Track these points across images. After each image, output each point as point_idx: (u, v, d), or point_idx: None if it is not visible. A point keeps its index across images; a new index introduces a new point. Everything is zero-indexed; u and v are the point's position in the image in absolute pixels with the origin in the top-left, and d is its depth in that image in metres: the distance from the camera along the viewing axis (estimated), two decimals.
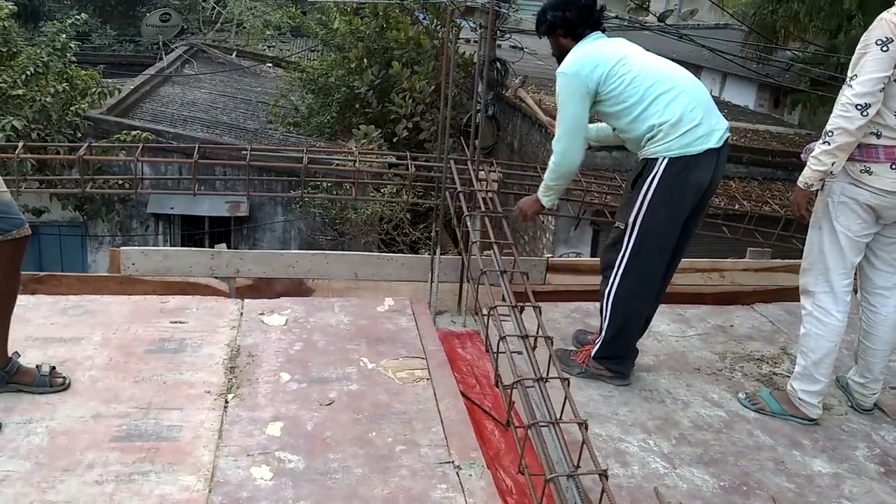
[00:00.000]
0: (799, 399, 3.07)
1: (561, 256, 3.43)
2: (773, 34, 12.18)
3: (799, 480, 2.72)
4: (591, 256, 9.05)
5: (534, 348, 2.61)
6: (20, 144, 4.22)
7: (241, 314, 3.53)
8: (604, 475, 2.06)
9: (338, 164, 10.11)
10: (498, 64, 9.79)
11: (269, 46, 19.24)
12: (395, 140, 11.01)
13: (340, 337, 3.41)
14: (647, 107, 2.98)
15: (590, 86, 3.02)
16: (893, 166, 2.83)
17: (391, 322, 3.59)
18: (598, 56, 3.05)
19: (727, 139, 3.04)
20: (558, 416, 2.37)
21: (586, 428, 2.25)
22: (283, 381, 3.02)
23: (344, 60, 12.26)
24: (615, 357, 3.24)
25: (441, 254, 3.91)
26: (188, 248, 3.96)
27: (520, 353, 2.67)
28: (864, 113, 2.75)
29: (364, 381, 3.07)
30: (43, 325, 3.26)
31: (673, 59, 3.21)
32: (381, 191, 9.92)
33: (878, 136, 2.84)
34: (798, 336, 3.17)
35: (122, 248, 3.88)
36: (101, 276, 3.87)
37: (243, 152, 4.36)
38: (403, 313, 3.68)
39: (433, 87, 10.83)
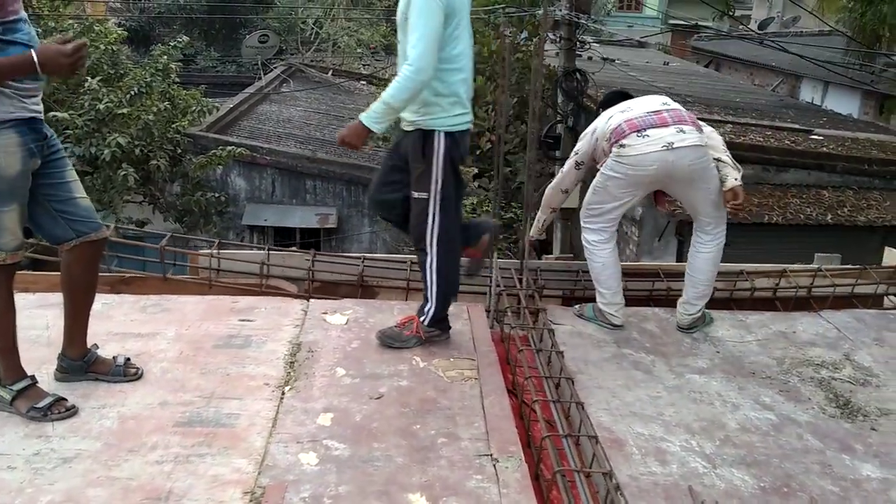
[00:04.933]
0: (600, 310, 3.79)
1: None
2: (875, 40, 11.72)
3: (845, 484, 2.67)
4: None
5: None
6: None
7: (306, 313, 3.72)
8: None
9: None
10: (578, 74, 9.80)
11: (363, 65, 19.80)
12: (478, 152, 11.16)
13: None
14: (445, 70, 3.13)
15: (444, 5, 3.06)
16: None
17: None
18: None
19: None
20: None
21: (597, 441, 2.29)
22: (338, 376, 3.17)
23: None
24: (444, 319, 3.48)
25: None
26: (261, 251, 4.18)
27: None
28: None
29: (414, 379, 3.19)
30: (123, 321, 3.53)
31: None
32: (464, 202, 10.09)
33: None
34: (862, 343, 3.37)
35: (200, 251, 4.14)
36: (180, 278, 4.14)
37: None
38: (460, 317, 3.78)
39: (516, 100, 10.93)
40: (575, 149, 3.93)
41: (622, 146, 3.56)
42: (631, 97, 3.88)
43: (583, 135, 3.90)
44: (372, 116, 3.13)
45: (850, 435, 2.98)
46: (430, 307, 3.42)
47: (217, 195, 10.46)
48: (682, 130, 3.53)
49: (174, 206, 10.13)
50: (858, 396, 3.27)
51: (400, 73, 3.09)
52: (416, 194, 3.31)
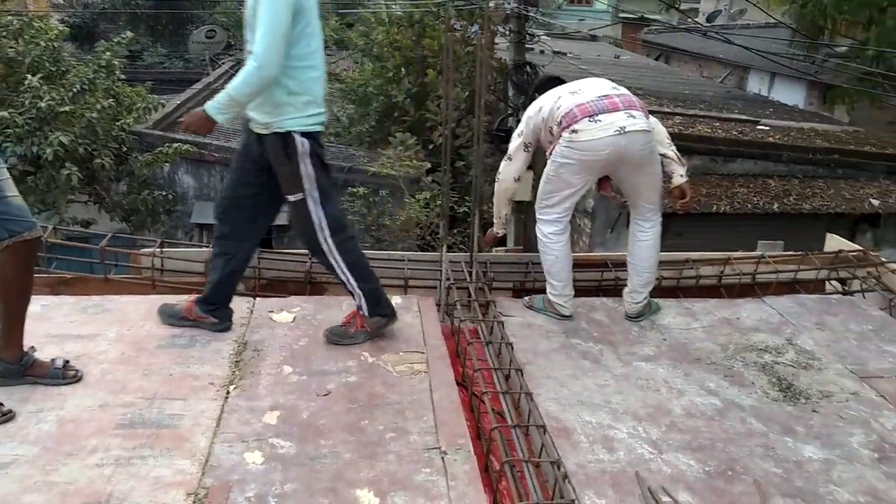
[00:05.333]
0: (550, 302, 3.81)
1: None
2: (818, 31, 11.97)
3: (787, 466, 2.72)
4: None
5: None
6: None
7: (252, 312, 3.66)
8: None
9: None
10: (528, 68, 9.83)
11: None
12: (431, 147, 11.13)
13: None
14: (297, 68, 3.09)
15: (293, 2, 2.98)
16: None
17: (396, 318, 3.67)
18: None
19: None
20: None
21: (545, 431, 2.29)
22: (285, 374, 3.13)
23: (382, 70, 12.45)
24: (382, 304, 3.43)
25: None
26: (206, 249, 4.11)
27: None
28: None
29: (363, 374, 3.16)
30: (63, 322, 3.43)
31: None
32: (417, 197, 10.07)
33: None
34: (804, 327, 3.42)
35: (142, 249, 4.06)
36: (123, 278, 4.05)
37: None
38: (410, 310, 3.77)
39: (467, 94, 10.93)
40: (518, 131, 3.88)
41: (574, 131, 3.52)
42: (564, 83, 3.86)
43: (525, 117, 3.84)
44: (216, 107, 3.04)
45: (792, 417, 3.04)
46: (360, 301, 3.38)
47: (164, 193, 10.28)
48: (632, 115, 3.53)
49: (120, 205, 9.93)
50: (801, 380, 3.34)
51: (244, 68, 3.01)
52: (291, 198, 3.22)
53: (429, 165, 10.67)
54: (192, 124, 3.14)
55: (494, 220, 4.13)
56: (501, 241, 10.51)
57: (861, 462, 2.77)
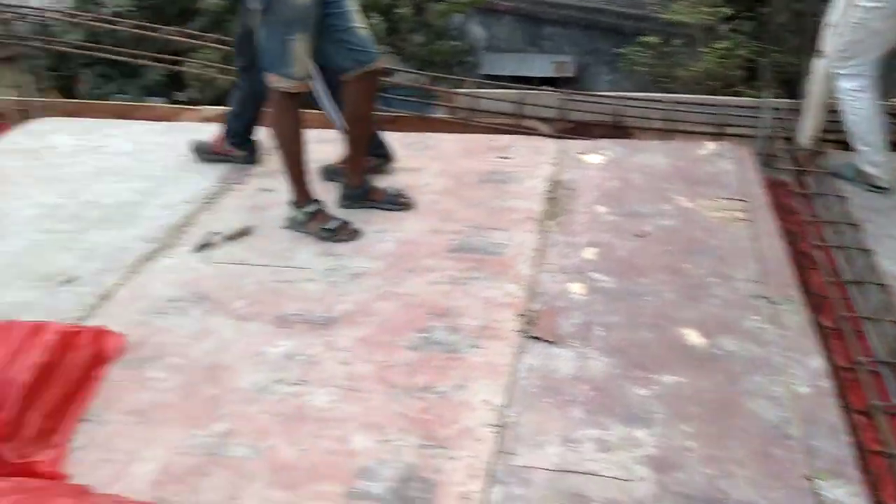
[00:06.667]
0: (860, 171, 3.36)
1: None
2: None
3: None
4: None
5: None
6: None
7: (562, 153, 3.69)
8: None
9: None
10: None
11: None
12: None
13: (657, 176, 3.43)
14: None
15: None
16: None
17: (711, 165, 3.52)
18: None
19: None
20: None
21: None
22: (599, 213, 3.14)
23: None
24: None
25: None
26: (513, 91, 4.16)
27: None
28: None
29: (679, 218, 3.08)
30: None
31: None
32: (715, 46, 9.37)
33: None
34: None
35: (453, 89, 4.20)
36: (438, 118, 4.25)
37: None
38: (725, 157, 3.58)
39: None
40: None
41: None
42: None
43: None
44: None
45: None
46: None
47: (458, 44, 10.48)
48: None
49: (417, 55, 10.30)
50: None
51: None
52: None
53: (729, 13, 9.81)
54: None
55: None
56: None
57: None
